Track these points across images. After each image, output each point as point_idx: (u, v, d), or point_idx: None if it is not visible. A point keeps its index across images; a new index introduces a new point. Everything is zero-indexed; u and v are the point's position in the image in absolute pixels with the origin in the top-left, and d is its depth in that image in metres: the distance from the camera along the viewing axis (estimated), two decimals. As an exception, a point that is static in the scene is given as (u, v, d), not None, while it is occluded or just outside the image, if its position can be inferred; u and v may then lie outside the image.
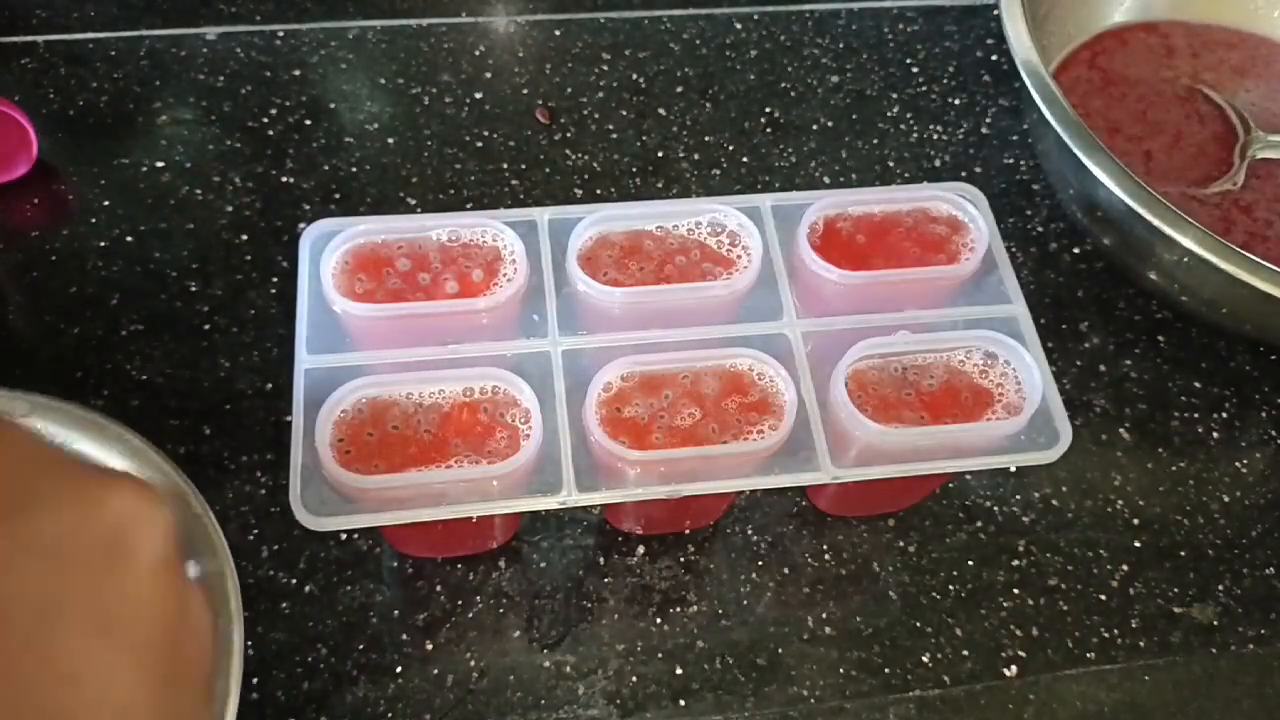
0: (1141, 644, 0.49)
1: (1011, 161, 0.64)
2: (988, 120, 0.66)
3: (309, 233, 0.43)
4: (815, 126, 0.65)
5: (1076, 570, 0.51)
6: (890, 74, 0.67)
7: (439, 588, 0.48)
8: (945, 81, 0.67)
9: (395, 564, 0.48)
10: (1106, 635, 0.49)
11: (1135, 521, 0.52)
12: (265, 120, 0.62)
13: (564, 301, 0.44)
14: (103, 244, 0.56)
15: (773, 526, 0.51)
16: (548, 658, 0.47)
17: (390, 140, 0.62)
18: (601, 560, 0.49)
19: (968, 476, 0.53)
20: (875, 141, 0.64)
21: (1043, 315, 0.58)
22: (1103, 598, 0.50)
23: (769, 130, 0.64)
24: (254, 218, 0.58)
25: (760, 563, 0.50)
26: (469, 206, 0.59)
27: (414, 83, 0.64)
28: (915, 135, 0.65)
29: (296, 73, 0.64)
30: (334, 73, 0.64)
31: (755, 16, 0.69)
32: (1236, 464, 0.55)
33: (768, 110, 0.65)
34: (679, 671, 0.47)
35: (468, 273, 0.43)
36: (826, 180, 0.62)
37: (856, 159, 0.63)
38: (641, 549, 0.50)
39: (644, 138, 0.63)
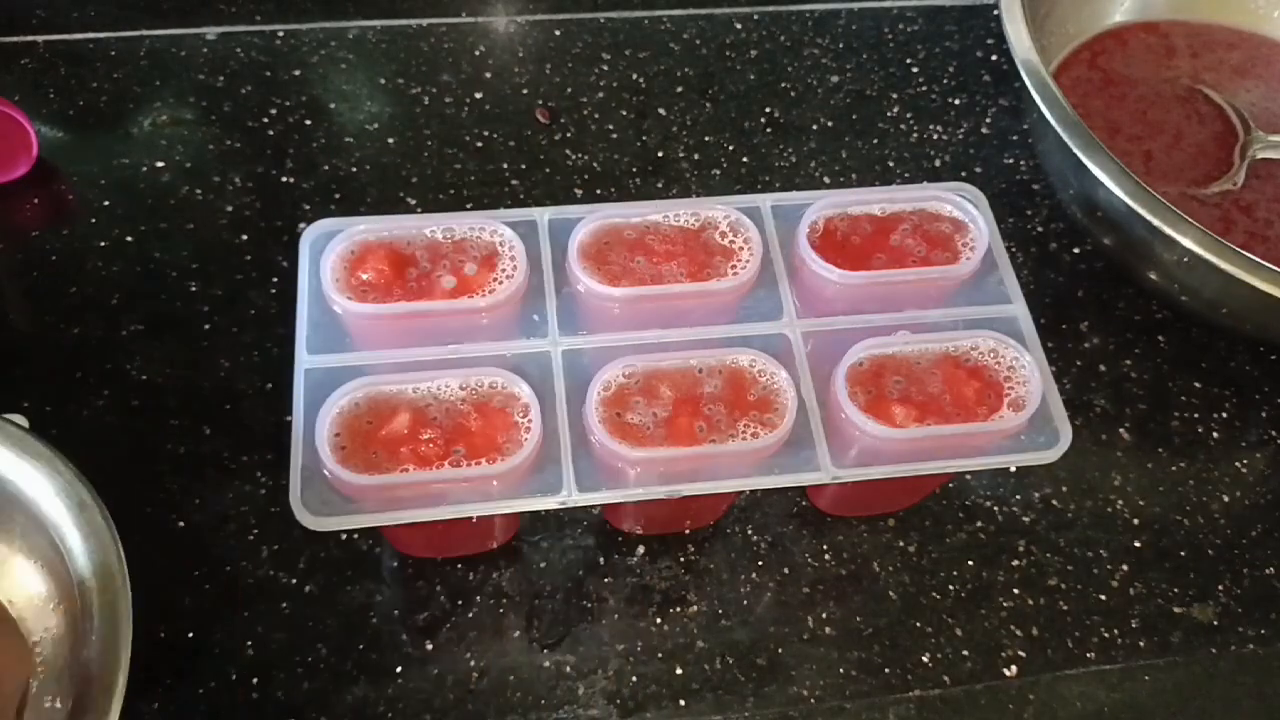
0: (1141, 644, 0.49)
1: (1011, 161, 0.64)
2: (988, 120, 0.66)
3: (309, 233, 0.43)
4: (815, 126, 0.65)
5: (1076, 570, 0.51)
6: (890, 74, 0.67)
7: (439, 588, 0.48)
8: (945, 81, 0.67)
9: (395, 564, 0.48)
10: (1106, 635, 0.49)
11: (1135, 521, 0.52)
12: (265, 120, 0.62)
13: (564, 301, 0.44)
14: (103, 244, 0.56)
15: (773, 526, 0.51)
16: (548, 658, 0.47)
17: (390, 140, 0.62)
18: (601, 560, 0.49)
19: (968, 476, 0.53)
20: (875, 141, 0.64)
21: (1043, 315, 0.58)
22: (1103, 598, 0.50)
23: (769, 130, 0.64)
24: (254, 218, 0.58)
25: (760, 563, 0.50)
26: (469, 206, 0.59)
27: (414, 83, 0.64)
28: (915, 135, 0.65)
29: (296, 73, 0.64)
30: (334, 73, 0.64)
31: (755, 16, 0.69)
32: (1236, 464, 0.55)
33: (768, 110, 0.65)
34: (679, 671, 0.47)
35: (467, 273, 0.43)
36: (826, 180, 0.62)
37: (856, 159, 0.63)
38: (641, 549, 0.50)
39: (644, 138, 0.63)
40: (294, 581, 0.47)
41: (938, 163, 0.64)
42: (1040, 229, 0.61)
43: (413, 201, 0.59)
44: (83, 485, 0.40)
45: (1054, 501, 0.53)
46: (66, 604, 0.40)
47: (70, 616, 0.39)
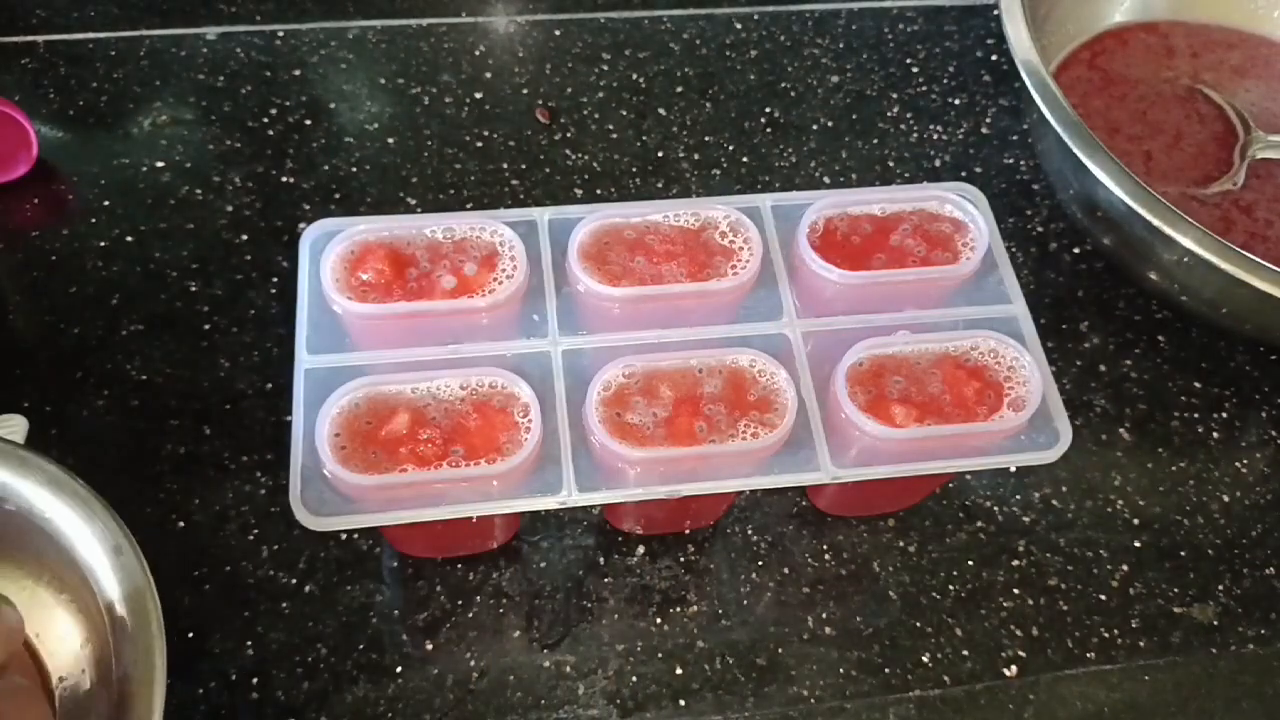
0: (1141, 644, 0.49)
1: (1011, 161, 0.64)
2: (988, 120, 0.66)
3: (309, 233, 0.43)
4: (815, 126, 0.65)
5: (1076, 570, 0.51)
6: (890, 74, 0.67)
7: (439, 588, 0.48)
8: (945, 81, 0.67)
9: (395, 564, 0.48)
10: (1106, 635, 0.49)
11: (1135, 521, 0.52)
12: (265, 120, 0.62)
13: (564, 301, 0.44)
14: (103, 244, 0.56)
15: (773, 526, 0.51)
16: (548, 658, 0.47)
17: (390, 140, 0.62)
18: (601, 560, 0.49)
19: (968, 476, 0.53)
20: (875, 141, 0.64)
21: (1043, 315, 0.58)
22: (1103, 598, 0.50)
23: (769, 130, 0.64)
24: (254, 218, 0.58)
25: (760, 563, 0.50)
26: (469, 206, 0.59)
27: (414, 83, 0.64)
28: (915, 135, 0.65)
29: (296, 73, 0.64)
30: (334, 73, 0.64)
31: (755, 16, 0.69)
32: (1236, 464, 0.55)
33: (768, 110, 0.65)
34: (679, 671, 0.47)
35: (467, 273, 0.43)
36: (826, 180, 0.62)
37: (856, 159, 0.63)
38: (641, 549, 0.50)
39: (644, 138, 0.63)
40: (294, 581, 0.47)
41: (938, 163, 0.64)
42: (1040, 229, 0.61)
43: (413, 201, 0.59)
44: (120, 529, 0.39)
45: (1054, 501, 0.53)
46: (97, 646, 0.39)
47: (102, 662, 0.39)
